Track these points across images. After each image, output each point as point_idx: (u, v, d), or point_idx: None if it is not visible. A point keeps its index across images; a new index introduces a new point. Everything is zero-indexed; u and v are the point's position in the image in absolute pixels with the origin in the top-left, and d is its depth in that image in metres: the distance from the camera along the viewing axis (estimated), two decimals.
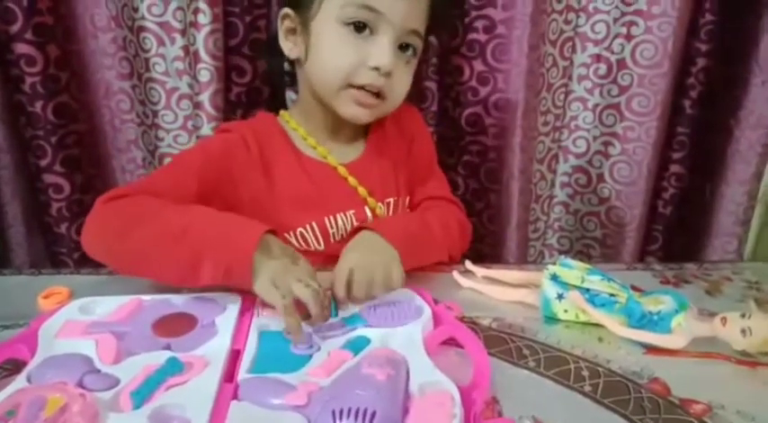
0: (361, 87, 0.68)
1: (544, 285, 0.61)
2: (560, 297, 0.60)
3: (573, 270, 0.60)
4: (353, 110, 0.70)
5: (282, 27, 0.73)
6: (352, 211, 0.74)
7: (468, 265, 0.70)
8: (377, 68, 0.67)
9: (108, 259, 0.62)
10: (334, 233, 0.73)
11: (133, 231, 0.57)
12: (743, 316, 0.53)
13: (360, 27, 0.66)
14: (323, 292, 0.53)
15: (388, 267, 0.59)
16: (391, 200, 0.78)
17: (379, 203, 0.76)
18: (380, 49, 0.66)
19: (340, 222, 0.74)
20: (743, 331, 0.52)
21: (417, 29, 0.69)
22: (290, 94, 0.94)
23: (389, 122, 0.80)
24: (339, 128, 0.77)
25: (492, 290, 0.66)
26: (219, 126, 0.81)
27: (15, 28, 0.84)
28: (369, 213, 0.76)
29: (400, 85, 0.72)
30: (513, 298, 0.64)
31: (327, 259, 0.67)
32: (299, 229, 0.72)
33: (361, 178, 0.76)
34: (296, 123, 0.77)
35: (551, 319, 0.61)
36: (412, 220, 0.74)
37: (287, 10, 0.72)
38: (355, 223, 0.74)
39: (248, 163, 0.72)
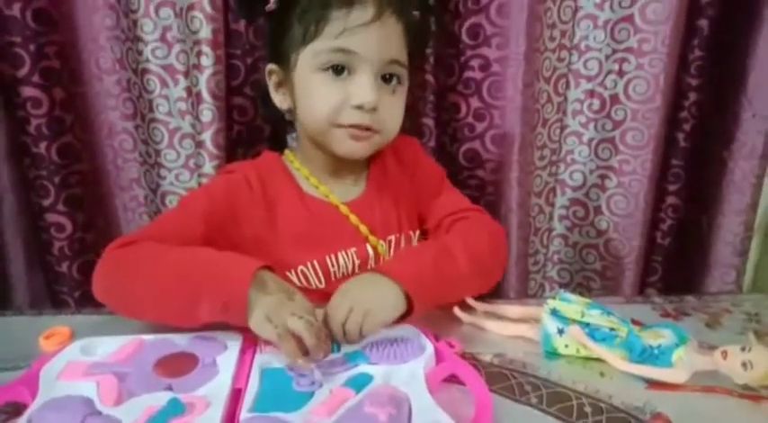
0: (351, 126, 0.69)
1: (544, 320, 0.61)
2: (561, 332, 0.60)
3: (572, 304, 0.61)
4: (348, 145, 0.71)
5: (271, 82, 0.76)
6: (353, 250, 0.75)
7: (469, 300, 0.70)
8: (360, 107, 0.67)
9: (116, 305, 0.62)
10: (335, 271, 0.74)
11: (137, 277, 0.59)
12: (743, 349, 0.53)
13: (338, 70, 0.68)
14: (318, 327, 0.53)
15: (380, 306, 0.58)
16: (393, 237, 0.78)
17: (381, 241, 0.77)
18: (361, 87, 0.67)
19: (341, 261, 0.74)
20: (744, 365, 0.52)
21: (396, 58, 0.69)
22: (289, 132, 0.96)
23: (390, 158, 0.81)
24: (339, 168, 0.78)
25: (493, 325, 0.66)
26: (224, 167, 0.82)
27: (23, 72, 0.86)
28: (370, 251, 0.76)
29: (391, 116, 0.72)
30: (513, 333, 0.64)
31: (328, 297, 0.67)
32: (300, 266, 0.73)
33: (363, 216, 0.76)
34: (299, 163, 0.78)
35: (552, 354, 0.61)
36: (426, 252, 0.67)
37: (271, 66, 0.75)
38: (357, 261, 0.74)
39: (251, 202, 0.73)
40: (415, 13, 0.73)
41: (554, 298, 0.62)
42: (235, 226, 0.71)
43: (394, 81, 0.71)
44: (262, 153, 0.82)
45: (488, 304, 0.69)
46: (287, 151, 0.81)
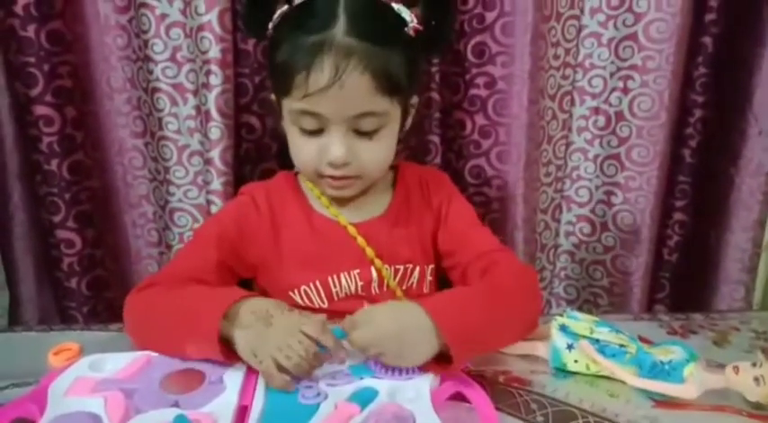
0: (329, 177, 0.70)
1: (554, 336, 0.61)
2: (570, 347, 0.60)
3: (580, 322, 0.61)
4: (333, 192, 0.72)
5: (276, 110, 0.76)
6: (356, 271, 0.74)
7: None
8: (331, 164, 0.68)
9: (142, 345, 0.62)
10: (336, 292, 0.74)
11: (144, 323, 0.63)
12: (754, 365, 0.53)
13: (312, 131, 0.67)
14: (314, 354, 0.53)
15: (413, 355, 0.55)
16: (402, 267, 0.76)
17: (386, 266, 0.74)
18: (330, 145, 0.67)
19: (344, 281, 0.74)
20: (756, 380, 0.52)
21: (366, 110, 0.65)
22: None
23: (415, 191, 0.79)
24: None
25: None
26: (245, 188, 0.81)
27: (36, 91, 0.88)
28: (374, 274, 0.74)
29: (369, 162, 0.69)
30: (522, 351, 0.64)
31: (331, 316, 0.68)
32: (303, 286, 0.73)
33: (371, 239, 0.74)
34: (311, 183, 0.77)
35: (561, 370, 0.60)
36: (471, 301, 0.61)
37: (272, 97, 0.74)
38: (360, 283, 0.74)
39: (257, 223, 0.74)
40: (415, 26, 0.67)
41: (561, 315, 0.62)
42: (245, 248, 0.73)
43: (369, 126, 0.67)
44: (276, 172, 0.83)
45: None
46: (303, 177, 0.80)
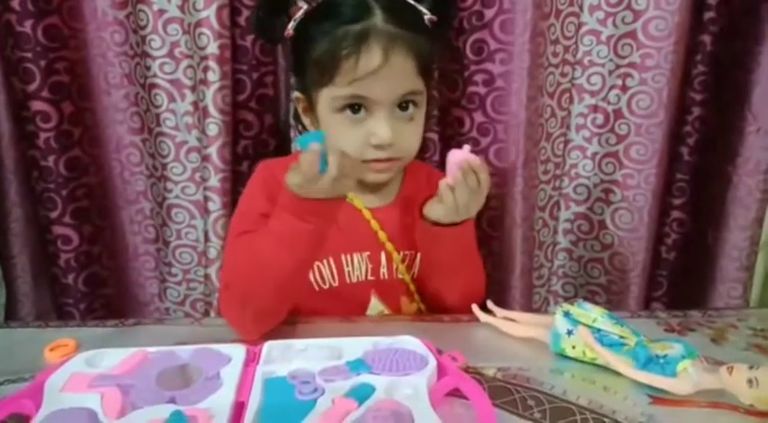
0: (373, 161, 0.72)
1: (556, 320, 0.61)
2: (570, 333, 0.60)
3: (587, 311, 0.61)
4: (373, 176, 0.74)
5: (299, 107, 0.78)
6: (367, 253, 0.76)
7: (490, 304, 0.71)
8: (379, 146, 0.70)
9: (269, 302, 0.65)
10: (349, 271, 0.76)
11: (262, 280, 0.64)
12: (751, 367, 0.52)
13: (355, 109, 0.70)
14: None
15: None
16: (409, 253, 0.79)
17: (397, 251, 0.77)
18: (378, 128, 0.69)
19: (356, 262, 0.76)
20: (750, 381, 0.52)
21: (411, 90, 0.71)
22: (294, 146, 0.97)
23: (423, 188, 0.82)
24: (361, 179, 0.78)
25: (507, 326, 0.66)
26: (261, 165, 0.82)
27: (33, 87, 0.88)
28: (384, 259, 0.77)
29: (410, 142, 0.74)
30: (526, 334, 0.65)
31: (341, 296, 0.73)
32: (317, 262, 0.74)
33: (383, 225, 0.77)
34: None
35: (559, 355, 0.61)
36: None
37: (297, 93, 0.77)
38: (370, 266, 0.76)
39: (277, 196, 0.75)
40: (431, 17, 0.73)
41: (572, 304, 0.62)
42: None
43: (410, 108, 0.72)
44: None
45: (507, 310, 0.69)
46: None
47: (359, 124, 0.70)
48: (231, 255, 0.74)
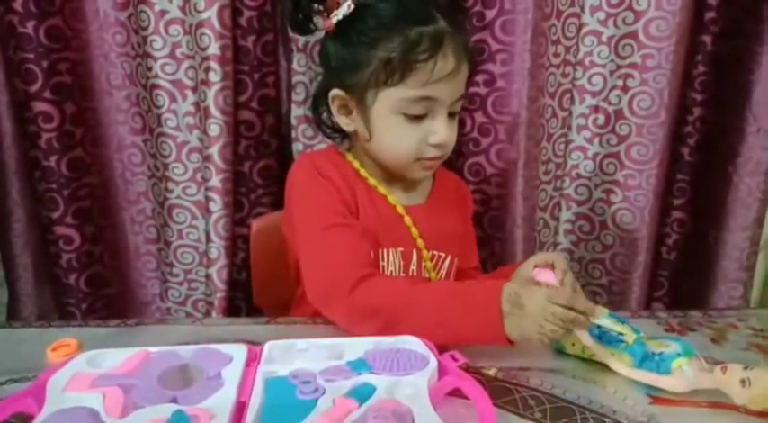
0: (428, 159, 0.74)
1: None
2: (570, 330, 0.60)
3: None
4: (422, 174, 0.77)
5: (334, 105, 0.75)
6: (401, 249, 0.76)
7: None
8: (438, 145, 0.72)
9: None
10: (383, 266, 0.76)
11: (408, 320, 0.62)
12: (745, 367, 0.52)
13: (418, 116, 0.71)
14: (565, 315, 0.57)
15: None
16: (440, 255, 0.80)
17: (426, 250, 0.78)
18: (440, 128, 0.71)
19: (391, 257, 0.76)
20: (742, 381, 0.51)
21: (463, 93, 0.74)
22: (296, 146, 0.97)
23: (452, 193, 0.86)
24: (394, 178, 0.79)
25: None
26: (303, 159, 0.81)
27: (35, 87, 0.88)
28: (415, 256, 0.77)
29: (454, 141, 0.76)
30: None
31: None
32: None
33: (416, 222, 0.78)
34: (358, 165, 0.78)
35: (559, 351, 0.62)
36: None
37: (338, 92, 0.73)
38: (401, 262, 0.76)
39: (337, 178, 0.75)
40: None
41: None
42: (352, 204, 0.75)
43: (456, 108, 0.75)
44: (275, 169, 0.87)
45: None
46: (348, 153, 0.80)
47: (417, 124, 0.71)
48: (325, 247, 0.70)
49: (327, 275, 0.68)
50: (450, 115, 0.73)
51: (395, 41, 0.68)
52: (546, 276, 0.64)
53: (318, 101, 0.80)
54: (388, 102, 0.70)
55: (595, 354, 0.59)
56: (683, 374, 0.54)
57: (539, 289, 0.60)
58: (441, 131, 0.71)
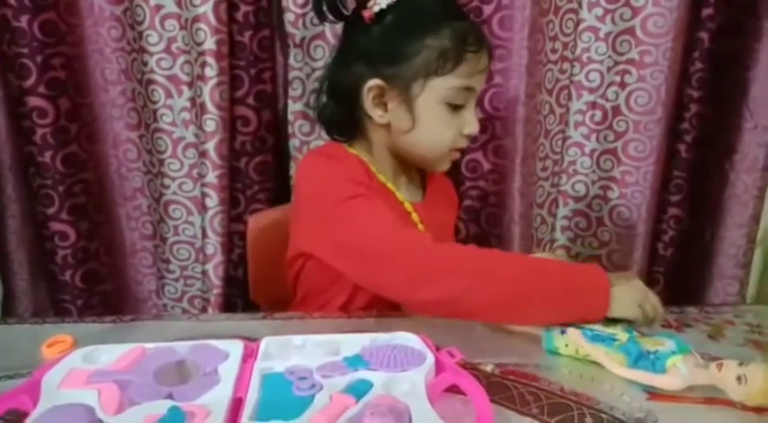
0: (458, 150, 0.77)
1: None
2: (563, 331, 0.61)
3: None
4: (447, 166, 0.79)
5: (369, 96, 0.73)
6: None
7: None
8: (469, 135, 0.75)
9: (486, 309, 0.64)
10: None
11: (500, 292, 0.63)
12: (741, 364, 0.52)
13: (457, 106, 0.73)
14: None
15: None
16: None
17: None
18: (471, 119, 0.74)
19: None
20: (738, 378, 0.51)
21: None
22: (292, 142, 0.97)
23: (442, 191, 0.87)
24: (401, 173, 0.80)
25: None
26: (310, 153, 0.83)
27: (29, 82, 0.88)
28: None
29: None
30: (521, 329, 0.65)
31: None
32: None
33: (422, 218, 0.78)
34: (367, 161, 0.78)
35: (553, 353, 0.61)
36: None
37: (378, 82, 0.72)
38: None
39: (352, 167, 0.75)
40: None
41: None
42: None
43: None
44: (271, 165, 0.86)
45: None
46: (356, 148, 0.79)
47: (455, 115, 0.73)
48: (355, 216, 0.67)
49: (390, 234, 0.66)
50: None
51: (444, 33, 0.70)
52: None
53: (338, 95, 0.76)
54: (436, 91, 0.71)
55: (590, 354, 0.59)
56: (678, 372, 0.54)
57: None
58: (473, 122, 0.74)
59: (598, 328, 0.59)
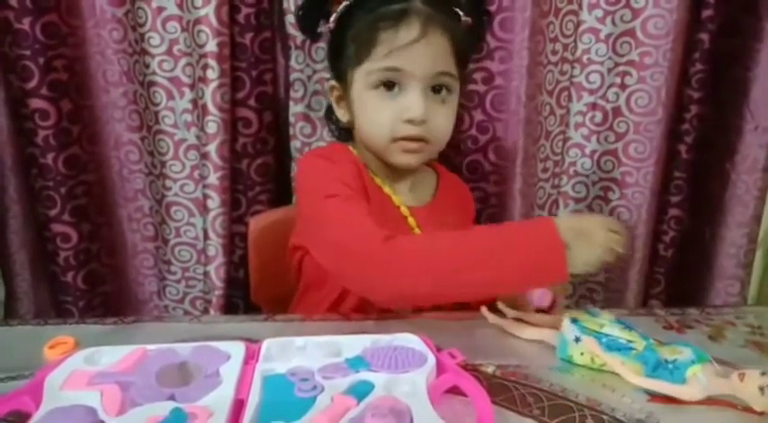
0: (404, 138, 0.73)
1: (564, 327, 0.61)
2: (577, 340, 0.60)
3: (597, 318, 0.61)
4: (402, 158, 0.75)
5: (332, 97, 0.79)
6: None
7: (500, 305, 0.70)
8: (411, 120, 0.71)
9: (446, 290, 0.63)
10: None
11: (462, 271, 0.61)
12: (763, 374, 0.52)
13: (389, 85, 0.71)
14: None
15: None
16: None
17: None
18: (411, 102, 0.71)
19: None
20: (761, 389, 0.51)
21: (445, 70, 0.72)
22: (293, 143, 0.97)
23: (455, 194, 0.86)
24: (398, 177, 0.79)
25: (516, 328, 0.66)
26: (308, 153, 0.84)
27: (32, 84, 0.88)
28: None
29: (441, 126, 0.75)
30: (534, 337, 0.65)
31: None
32: None
33: (419, 223, 0.78)
34: (366, 162, 0.78)
35: (567, 361, 0.61)
36: None
37: (333, 82, 0.78)
38: None
39: (349, 166, 0.75)
40: (465, 19, 0.75)
41: (581, 312, 0.62)
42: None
43: (443, 91, 0.74)
44: (272, 167, 0.86)
45: (516, 311, 0.69)
46: (355, 150, 0.80)
47: (392, 100, 0.71)
48: (341, 212, 0.68)
49: (351, 231, 0.66)
50: (435, 92, 0.73)
51: (359, 20, 0.71)
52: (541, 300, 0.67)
53: (329, 107, 0.82)
54: (362, 79, 0.72)
55: (606, 363, 0.59)
56: (698, 382, 0.53)
57: (595, 218, 0.63)
58: (414, 106, 0.70)
59: (613, 333, 0.59)
